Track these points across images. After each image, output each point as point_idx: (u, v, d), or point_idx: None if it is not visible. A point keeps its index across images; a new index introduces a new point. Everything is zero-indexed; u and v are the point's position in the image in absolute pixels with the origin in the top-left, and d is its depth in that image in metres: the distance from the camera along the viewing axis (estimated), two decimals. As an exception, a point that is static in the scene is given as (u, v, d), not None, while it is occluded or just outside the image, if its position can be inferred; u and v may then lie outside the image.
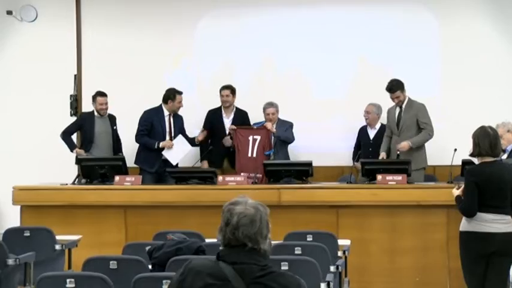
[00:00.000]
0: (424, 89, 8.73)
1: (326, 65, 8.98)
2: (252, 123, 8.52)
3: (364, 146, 8.43)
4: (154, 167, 8.26)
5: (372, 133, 8.47)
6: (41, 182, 7.94)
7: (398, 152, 7.85)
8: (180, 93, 8.37)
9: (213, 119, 8.61)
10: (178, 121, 8.47)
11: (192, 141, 8.43)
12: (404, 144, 7.76)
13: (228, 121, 8.56)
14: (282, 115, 8.47)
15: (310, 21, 9.04)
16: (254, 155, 8.18)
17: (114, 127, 8.56)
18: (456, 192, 5.38)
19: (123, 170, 7.79)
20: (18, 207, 7.55)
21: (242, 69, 9.18)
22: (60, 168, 8.47)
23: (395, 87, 7.86)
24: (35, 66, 9.35)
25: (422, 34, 8.91)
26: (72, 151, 8.40)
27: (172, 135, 8.38)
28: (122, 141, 8.67)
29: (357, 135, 8.62)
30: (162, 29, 9.20)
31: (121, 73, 9.16)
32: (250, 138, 8.20)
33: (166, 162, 8.24)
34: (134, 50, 9.18)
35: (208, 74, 9.16)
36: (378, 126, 8.46)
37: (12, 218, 7.77)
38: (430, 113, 7.95)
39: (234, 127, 8.30)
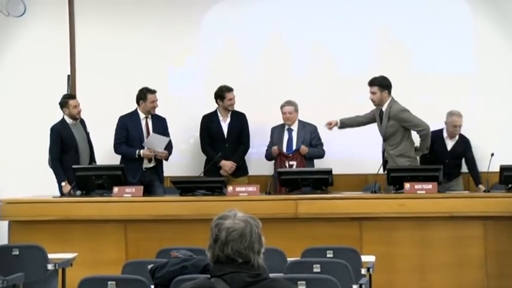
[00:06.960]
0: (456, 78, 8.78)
1: (350, 55, 8.95)
2: (270, 127, 8.58)
3: (438, 154, 8.23)
4: (137, 176, 8.24)
5: (450, 143, 8.39)
6: (31, 195, 7.92)
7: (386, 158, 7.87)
8: (153, 92, 8.34)
9: (210, 124, 8.63)
10: (160, 123, 8.46)
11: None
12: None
13: (225, 125, 8.59)
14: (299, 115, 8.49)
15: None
16: None
17: (87, 131, 8.47)
18: None
19: (123, 180, 7.78)
20: (6, 222, 7.57)
21: (253, 66, 9.19)
22: (53, 179, 8.34)
23: (373, 81, 7.89)
24: (24, 65, 9.33)
25: (454, 7, 8.80)
26: (59, 183, 8.21)
27: None
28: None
29: None
30: (164, 24, 9.19)
31: (119, 74, 9.13)
32: (287, 164, 8.22)
33: (151, 170, 8.30)
34: (133, 48, 9.16)
35: (215, 72, 9.11)
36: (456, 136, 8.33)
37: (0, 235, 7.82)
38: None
39: (276, 150, 8.29)
